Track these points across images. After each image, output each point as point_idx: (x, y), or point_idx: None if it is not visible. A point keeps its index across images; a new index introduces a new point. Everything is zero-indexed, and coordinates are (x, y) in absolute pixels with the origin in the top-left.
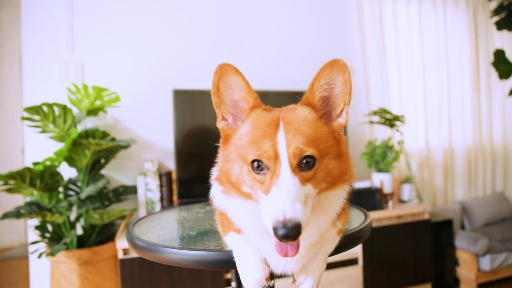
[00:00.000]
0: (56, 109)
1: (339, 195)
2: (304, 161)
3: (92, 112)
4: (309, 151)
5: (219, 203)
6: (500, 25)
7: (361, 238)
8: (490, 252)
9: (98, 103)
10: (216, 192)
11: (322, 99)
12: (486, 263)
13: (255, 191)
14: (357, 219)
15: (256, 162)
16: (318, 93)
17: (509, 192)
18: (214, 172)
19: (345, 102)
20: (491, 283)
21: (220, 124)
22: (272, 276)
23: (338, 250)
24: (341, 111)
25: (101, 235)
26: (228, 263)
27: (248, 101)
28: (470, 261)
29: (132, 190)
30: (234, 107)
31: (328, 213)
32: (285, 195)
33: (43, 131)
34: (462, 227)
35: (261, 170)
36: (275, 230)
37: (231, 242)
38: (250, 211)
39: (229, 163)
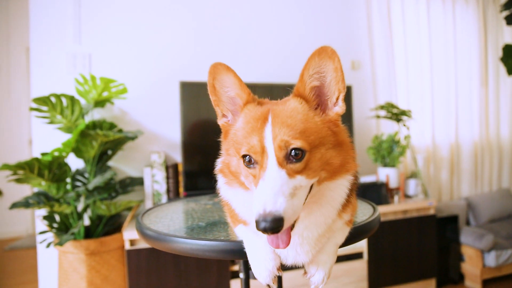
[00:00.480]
0: (64, 100)
1: (342, 185)
2: (292, 153)
3: (100, 103)
4: (296, 143)
5: (224, 194)
6: (509, 20)
7: (369, 231)
8: (495, 248)
9: (105, 94)
10: (221, 183)
11: (314, 89)
12: (491, 259)
13: (250, 184)
14: (366, 211)
15: (247, 157)
16: (308, 83)
17: None
18: (218, 164)
19: (339, 89)
20: (496, 279)
21: (220, 121)
22: (283, 267)
23: (347, 242)
24: (337, 99)
25: (108, 226)
26: (239, 253)
27: (241, 97)
28: (475, 257)
29: (139, 181)
30: (232, 103)
31: (332, 203)
32: (268, 188)
33: (51, 122)
34: (468, 223)
35: (252, 164)
36: (256, 223)
37: (241, 233)
38: (251, 203)
39: (229, 157)
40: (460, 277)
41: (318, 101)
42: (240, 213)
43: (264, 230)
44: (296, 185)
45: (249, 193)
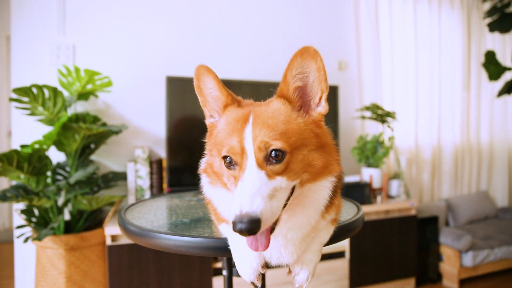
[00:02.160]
0: (46, 91)
1: (324, 187)
2: (272, 154)
3: (83, 96)
4: (276, 145)
5: (207, 193)
6: (492, 27)
7: (353, 230)
8: (472, 249)
9: (89, 87)
10: (204, 182)
11: (298, 90)
12: (468, 259)
13: (231, 185)
14: (350, 211)
15: (227, 158)
16: (292, 83)
17: (492, 191)
18: (202, 164)
19: (322, 89)
20: (472, 279)
21: (207, 121)
22: (267, 264)
23: (331, 240)
24: (320, 99)
25: (89, 221)
26: (223, 250)
27: (221, 99)
28: (454, 257)
29: (122, 176)
30: (217, 104)
31: (315, 205)
32: (246, 189)
33: (32, 114)
34: (447, 223)
35: (232, 165)
36: (233, 224)
37: (225, 231)
38: (228, 199)
39: (212, 157)
40: (439, 277)
41: (302, 102)
42: (222, 212)
43: (240, 232)
44: (276, 186)
45: (231, 193)
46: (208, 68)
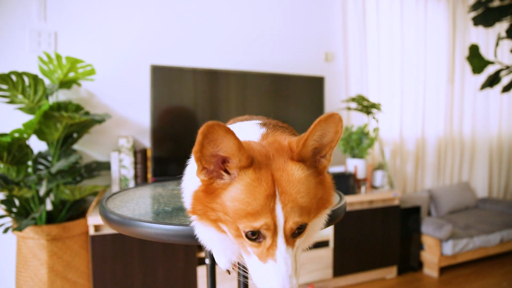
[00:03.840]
0: (26, 79)
1: (320, 221)
2: (297, 230)
3: (65, 84)
4: (304, 221)
5: (199, 235)
6: (476, 21)
7: (335, 218)
8: (452, 238)
9: (71, 75)
10: (195, 222)
11: (313, 150)
12: (448, 248)
13: (243, 247)
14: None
15: (251, 232)
16: (310, 146)
17: (473, 183)
18: (187, 196)
19: (331, 146)
20: (452, 267)
21: (201, 175)
22: None
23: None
24: (326, 153)
25: (71, 211)
26: None
27: (240, 160)
28: (434, 245)
29: (106, 166)
30: (218, 157)
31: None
32: (283, 272)
33: (11, 102)
34: (429, 213)
35: (257, 238)
36: None
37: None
38: (221, 240)
39: (210, 209)
40: (419, 265)
41: (313, 160)
42: (207, 244)
43: None
44: (297, 253)
45: (223, 235)
46: (226, 127)
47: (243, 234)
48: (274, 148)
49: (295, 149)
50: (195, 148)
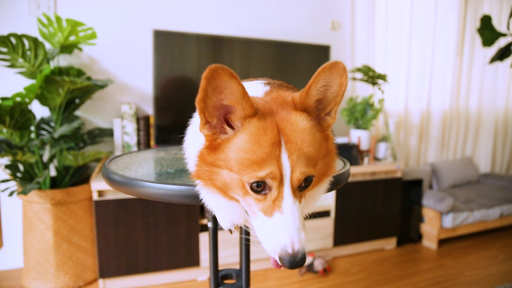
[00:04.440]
0: (26, 42)
1: (321, 188)
2: (303, 182)
3: (66, 48)
4: (311, 172)
5: (205, 200)
6: None
7: (339, 183)
8: (453, 211)
9: (72, 38)
10: (201, 188)
11: (316, 102)
12: (448, 220)
13: (249, 206)
14: (337, 166)
15: (256, 183)
16: (314, 96)
17: (476, 158)
18: (193, 166)
19: (335, 102)
20: (451, 239)
21: (204, 130)
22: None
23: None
24: (331, 109)
25: (75, 177)
26: None
27: (244, 108)
28: (435, 218)
29: (108, 133)
30: (219, 108)
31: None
32: (291, 224)
33: (12, 66)
34: (431, 187)
35: (262, 190)
36: (281, 259)
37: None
38: (228, 206)
39: (215, 168)
40: (419, 237)
41: (317, 113)
42: (212, 209)
43: (292, 268)
44: (303, 209)
45: (231, 202)
46: (230, 71)
47: (248, 188)
48: (277, 102)
49: (298, 100)
50: (199, 97)
